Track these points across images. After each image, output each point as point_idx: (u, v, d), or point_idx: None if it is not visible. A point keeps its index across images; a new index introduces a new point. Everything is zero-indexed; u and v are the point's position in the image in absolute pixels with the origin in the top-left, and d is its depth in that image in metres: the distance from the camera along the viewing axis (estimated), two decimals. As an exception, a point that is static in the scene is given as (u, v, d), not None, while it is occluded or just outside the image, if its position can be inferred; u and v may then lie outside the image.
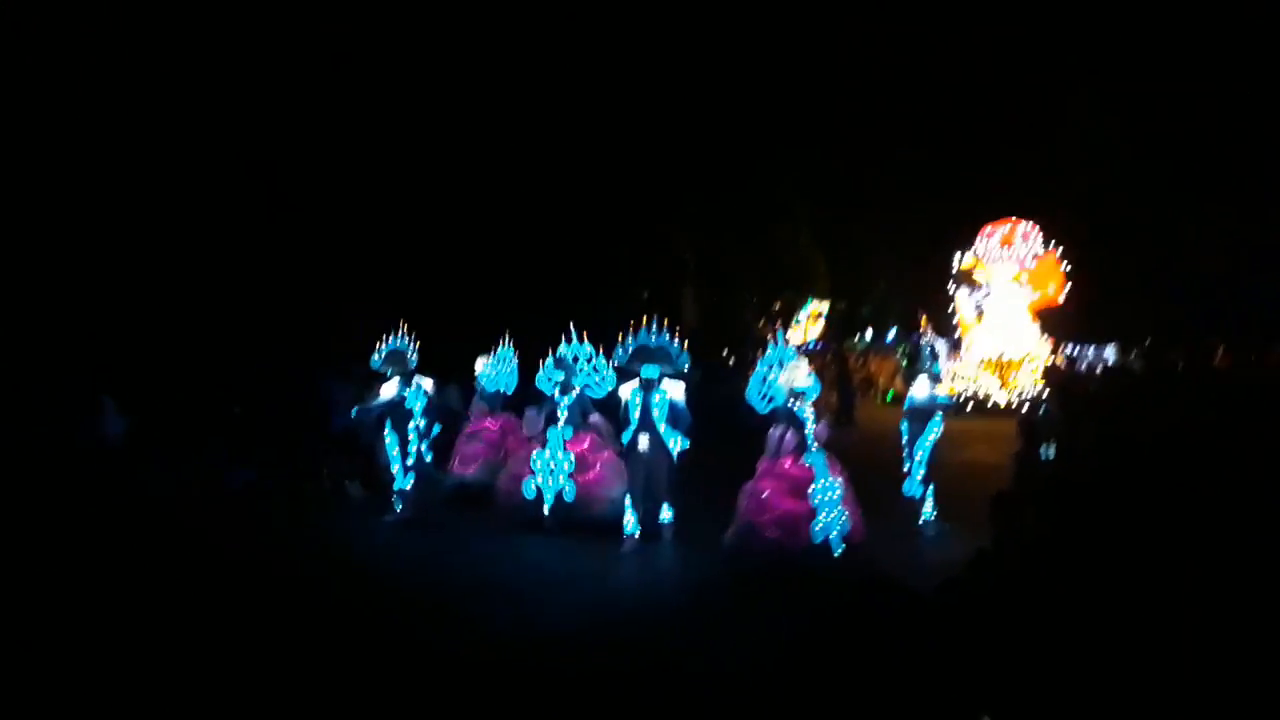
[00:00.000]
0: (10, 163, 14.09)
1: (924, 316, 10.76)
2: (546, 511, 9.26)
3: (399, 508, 10.20)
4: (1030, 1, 24.49)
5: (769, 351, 8.63)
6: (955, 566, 7.97)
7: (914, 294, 29.58)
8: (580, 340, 9.96)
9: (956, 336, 23.20)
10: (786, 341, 8.91)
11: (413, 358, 10.24)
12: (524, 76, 19.55)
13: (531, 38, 19.64)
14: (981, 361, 21.02)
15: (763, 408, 8.32)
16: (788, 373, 8.18)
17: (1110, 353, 22.97)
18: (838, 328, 31.57)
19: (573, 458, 9.34)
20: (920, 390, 9.67)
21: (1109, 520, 5.48)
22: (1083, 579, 4.91)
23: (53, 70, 14.50)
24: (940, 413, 9.61)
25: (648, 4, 21.05)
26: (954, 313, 23.20)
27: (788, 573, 7.40)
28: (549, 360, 9.83)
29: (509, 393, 11.68)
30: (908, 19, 24.51)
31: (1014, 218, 22.15)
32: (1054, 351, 21.83)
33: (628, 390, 8.81)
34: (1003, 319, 21.69)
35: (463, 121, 18.99)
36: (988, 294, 22.05)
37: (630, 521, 8.70)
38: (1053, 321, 22.21)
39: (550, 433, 9.40)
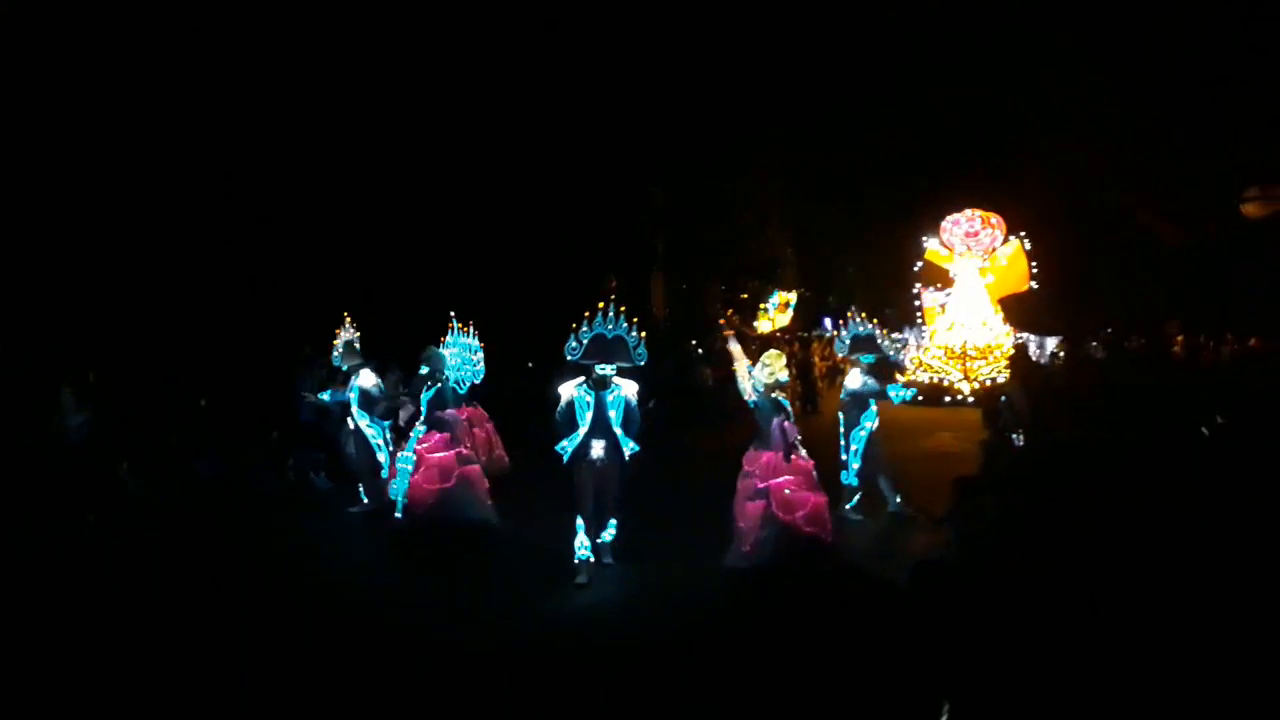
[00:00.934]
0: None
1: (853, 309, 10.64)
2: (398, 514, 8.81)
3: (365, 499, 10.18)
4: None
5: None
6: (919, 552, 8.13)
7: (880, 283, 29.93)
8: (464, 330, 9.71)
9: (920, 324, 23.43)
10: (752, 332, 8.65)
11: (359, 350, 10.21)
12: (487, 59, 19.37)
13: (495, 21, 19.46)
14: (945, 351, 21.23)
15: (751, 402, 8.01)
16: (766, 365, 7.89)
17: (1051, 343, 23.31)
18: (805, 317, 31.80)
19: (415, 458, 8.73)
20: (853, 381, 9.59)
21: (1093, 509, 5.59)
22: (1056, 564, 5.00)
23: (24, 57, 14.17)
24: (873, 403, 9.46)
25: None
26: (919, 303, 23.40)
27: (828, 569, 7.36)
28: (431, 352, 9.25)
29: (476, 382, 11.63)
30: (873, 8, 24.60)
31: (978, 208, 22.34)
32: (1017, 341, 22.10)
33: (571, 389, 7.65)
34: (967, 309, 21.89)
35: (422, 105, 18.80)
36: (950, 294, 22.27)
37: (582, 544, 7.51)
38: (1015, 311, 22.46)
39: (415, 431, 9.00)
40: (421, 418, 8.95)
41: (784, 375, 7.87)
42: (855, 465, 9.45)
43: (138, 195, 15.56)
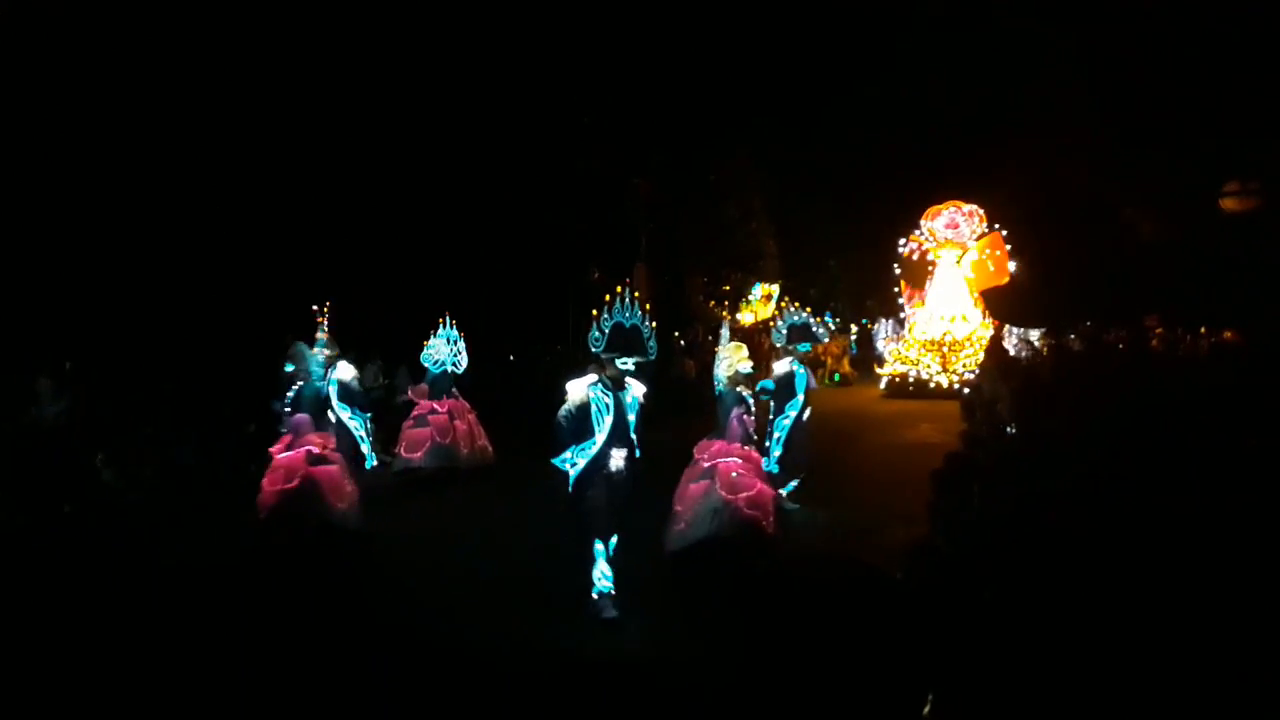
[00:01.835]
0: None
1: (786, 298, 10.60)
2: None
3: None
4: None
5: (722, 333, 8.40)
6: (895, 549, 8.14)
7: (862, 274, 30.03)
8: (324, 325, 9.20)
9: (902, 317, 23.55)
10: (727, 321, 8.50)
11: (333, 343, 10.18)
12: (469, 50, 19.28)
13: (477, 12, 19.36)
14: (923, 343, 21.33)
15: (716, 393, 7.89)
16: (728, 357, 7.78)
17: (1034, 335, 23.46)
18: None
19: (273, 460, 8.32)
20: (781, 367, 9.49)
21: (1089, 498, 5.61)
22: (1045, 557, 5.02)
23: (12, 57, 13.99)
24: (800, 391, 9.33)
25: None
26: (900, 294, 23.53)
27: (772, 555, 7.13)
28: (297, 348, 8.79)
29: (458, 373, 11.60)
30: (858, 5, 24.64)
31: (958, 200, 22.47)
32: (997, 333, 22.22)
33: (583, 389, 6.43)
34: (945, 301, 22.01)
35: (403, 97, 18.69)
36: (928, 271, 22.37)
37: (604, 574, 6.35)
38: (995, 304, 22.60)
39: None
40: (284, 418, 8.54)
41: (744, 366, 7.71)
42: (777, 453, 9.35)
43: (116, 184, 15.40)
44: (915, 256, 22.99)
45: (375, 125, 18.40)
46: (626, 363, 6.43)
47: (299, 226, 17.37)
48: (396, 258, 18.65)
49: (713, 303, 28.37)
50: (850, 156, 27.17)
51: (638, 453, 6.57)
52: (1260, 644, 3.64)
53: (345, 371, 10.17)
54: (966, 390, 10.75)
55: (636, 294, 6.59)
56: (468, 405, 11.55)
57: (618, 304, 6.44)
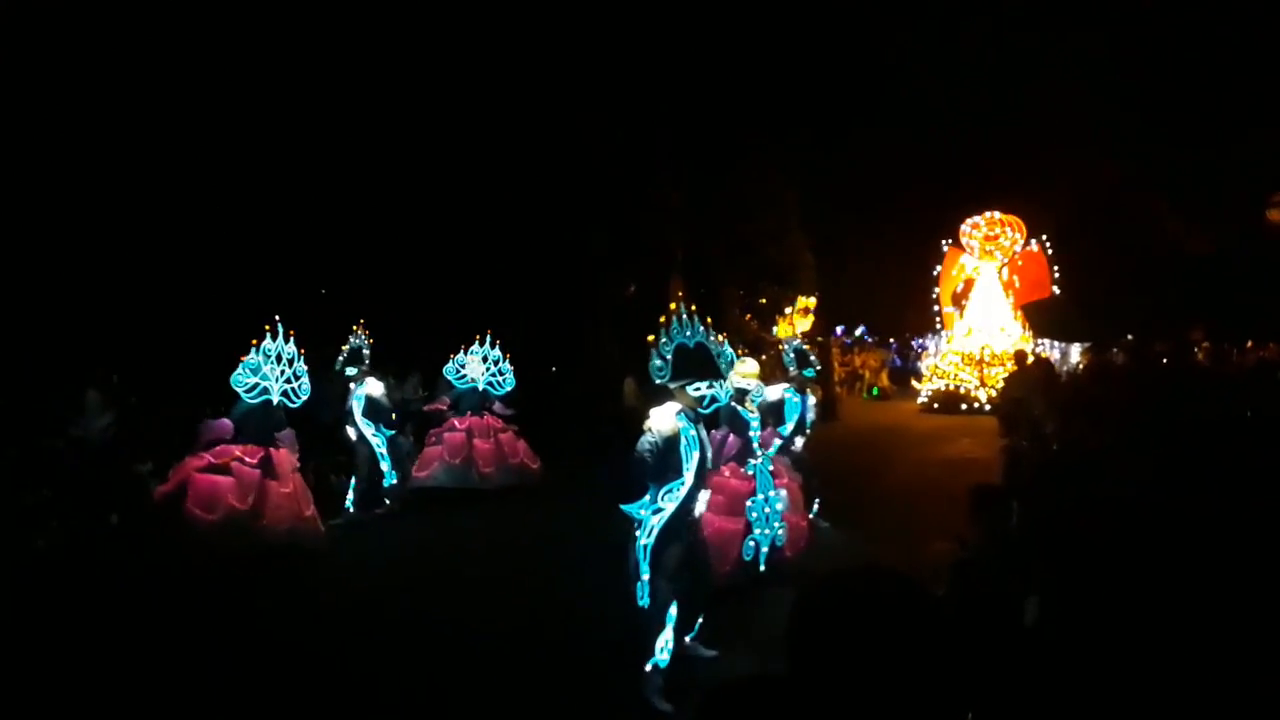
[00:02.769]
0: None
1: (750, 320, 10.26)
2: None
3: (387, 502, 10.24)
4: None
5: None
6: (926, 571, 8.04)
7: (899, 288, 29.81)
8: (282, 337, 8.60)
9: (939, 331, 23.34)
10: (722, 339, 7.56)
11: (367, 356, 10.26)
12: (504, 63, 19.43)
13: (512, 24, 19.51)
14: (962, 358, 21.11)
15: (706, 410, 7.56)
16: (735, 371, 7.07)
17: (1075, 351, 23.15)
18: (826, 322, 31.70)
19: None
20: (774, 393, 8.79)
21: (1120, 517, 5.51)
22: (1078, 572, 4.93)
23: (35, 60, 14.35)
24: (790, 420, 8.70)
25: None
26: (937, 308, 23.34)
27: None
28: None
29: (495, 394, 11.53)
30: (893, 12, 24.55)
31: (998, 211, 22.26)
32: (1035, 347, 21.97)
33: (670, 419, 5.48)
34: (984, 314, 21.79)
35: (440, 112, 18.88)
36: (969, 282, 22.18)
37: (667, 645, 5.39)
38: (1036, 317, 22.34)
39: None
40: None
41: (743, 383, 7.25)
42: None
43: (155, 198, 15.71)
44: (956, 271, 22.80)
45: (413, 143, 18.61)
46: (700, 388, 5.56)
47: (344, 246, 17.61)
48: (433, 274, 18.81)
49: (749, 316, 28.27)
50: (889, 168, 27.02)
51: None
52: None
53: (374, 388, 10.21)
54: (998, 404, 10.58)
55: (692, 307, 5.79)
56: (500, 424, 11.41)
57: (675, 324, 5.62)
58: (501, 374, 11.57)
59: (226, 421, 8.34)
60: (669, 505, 5.36)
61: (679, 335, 5.59)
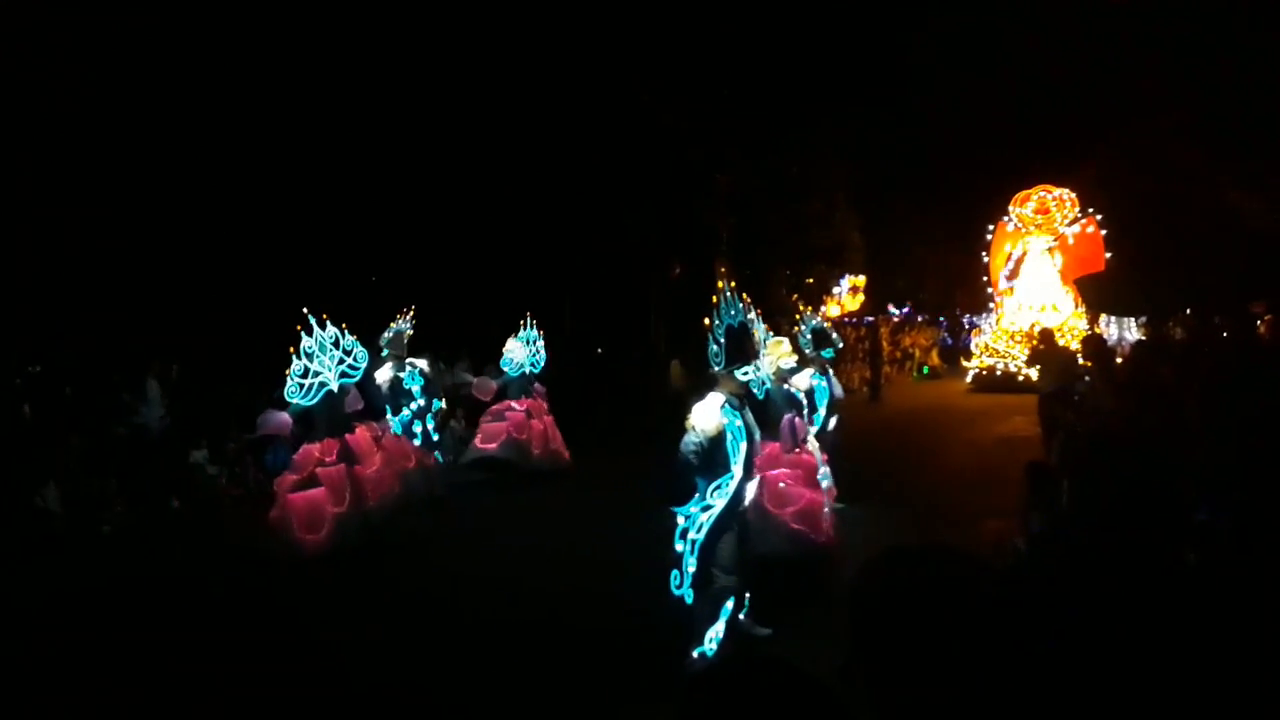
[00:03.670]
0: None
1: (796, 300, 9.69)
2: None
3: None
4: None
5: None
6: (980, 550, 7.92)
7: (950, 265, 29.42)
8: (318, 324, 8.29)
9: (991, 309, 22.99)
10: (758, 315, 7.41)
11: (407, 340, 10.39)
12: (545, 40, 19.43)
13: (559, 5, 19.49)
14: (1012, 334, 20.75)
15: (760, 393, 7.69)
16: (769, 353, 7.08)
17: (1132, 326, 22.62)
18: (875, 301, 31.43)
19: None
20: (802, 381, 8.55)
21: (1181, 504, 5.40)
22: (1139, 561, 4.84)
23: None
24: (821, 404, 8.56)
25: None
26: (988, 285, 22.97)
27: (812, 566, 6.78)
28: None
29: (536, 372, 11.63)
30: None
31: (1049, 185, 21.82)
32: (1092, 323, 21.54)
33: (716, 412, 5.31)
34: (1035, 290, 21.39)
35: (482, 92, 18.94)
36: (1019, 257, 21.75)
37: (717, 635, 5.34)
38: (1090, 292, 21.88)
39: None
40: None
41: (786, 362, 7.34)
42: None
43: (210, 193, 16.00)
44: (1007, 248, 22.41)
45: (465, 128, 18.72)
46: (746, 372, 5.39)
47: (389, 233, 17.81)
48: (480, 259, 18.96)
49: (796, 296, 28.10)
50: (935, 141, 26.60)
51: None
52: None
53: (386, 373, 10.28)
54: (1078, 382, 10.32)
55: (732, 283, 5.68)
56: (545, 406, 11.54)
57: (723, 303, 5.44)
58: (539, 353, 11.62)
59: (285, 416, 8.21)
60: (719, 501, 5.24)
61: (726, 317, 5.44)
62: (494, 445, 11.04)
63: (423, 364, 10.65)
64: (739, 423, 5.32)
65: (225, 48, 15.96)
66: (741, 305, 5.49)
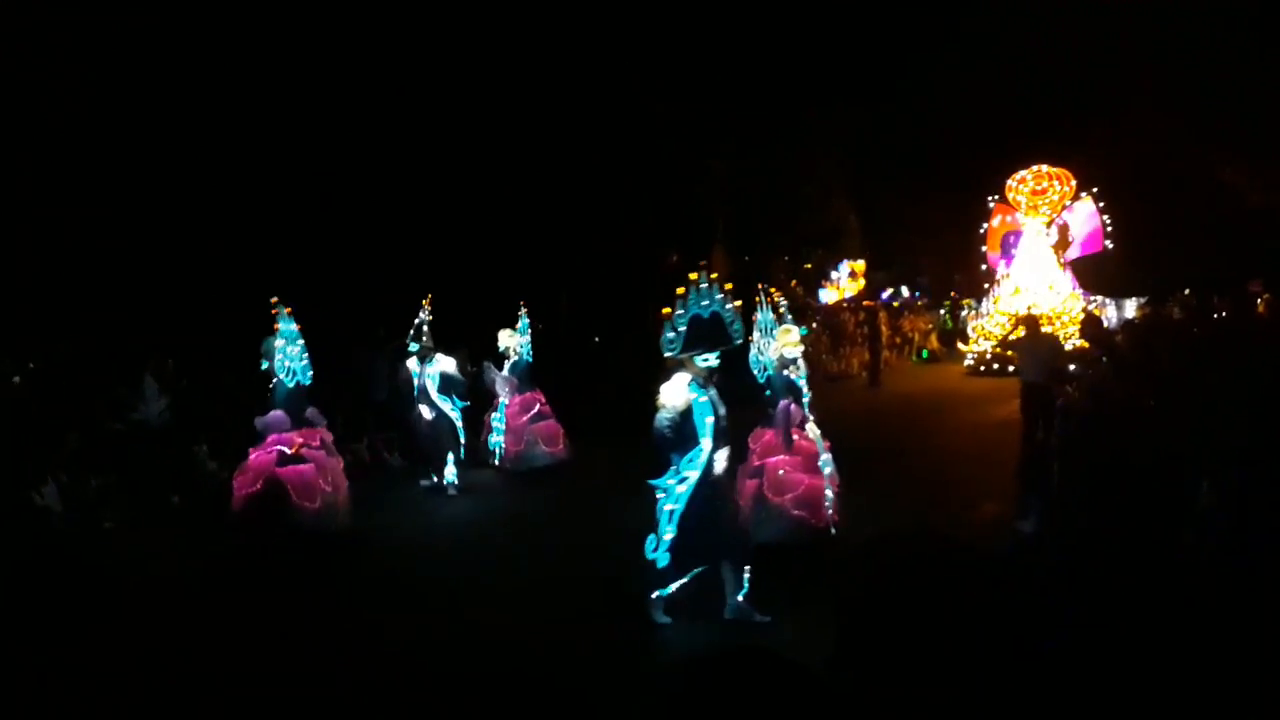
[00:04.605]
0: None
1: (762, 286, 9.17)
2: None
3: (433, 478, 10.36)
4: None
5: (758, 317, 7.76)
6: (983, 526, 7.99)
7: (948, 248, 29.38)
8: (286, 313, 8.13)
9: (987, 291, 22.94)
10: (772, 304, 7.56)
11: (428, 332, 10.19)
12: (536, 28, 19.37)
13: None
14: (1009, 317, 20.71)
15: (761, 377, 7.65)
16: (776, 340, 7.46)
17: (1130, 307, 22.55)
18: (873, 285, 31.39)
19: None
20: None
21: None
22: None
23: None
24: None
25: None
26: (985, 268, 22.92)
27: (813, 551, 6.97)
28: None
29: (530, 361, 11.45)
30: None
31: (1046, 165, 21.71)
32: (1087, 305, 21.48)
33: (684, 390, 5.73)
34: (1031, 272, 21.31)
35: (473, 80, 18.89)
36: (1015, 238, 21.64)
37: (677, 586, 5.93)
38: (1088, 273, 21.82)
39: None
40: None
41: (790, 351, 7.42)
42: None
43: (207, 186, 15.98)
44: (1000, 228, 22.34)
45: (450, 117, 18.67)
46: (709, 358, 5.78)
47: (388, 222, 17.77)
48: (470, 247, 18.89)
49: (794, 282, 28.07)
50: (931, 124, 26.50)
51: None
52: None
53: (447, 363, 10.23)
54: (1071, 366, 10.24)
55: (714, 274, 5.97)
56: (544, 397, 11.34)
57: (693, 293, 5.76)
58: (527, 341, 11.44)
59: (279, 413, 8.10)
60: (692, 473, 5.71)
61: (695, 305, 5.74)
62: (560, 448, 10.98)
63: (449, 363, 10.33)
64: (704, 398, 5.73)
65: (225, 48, 15.89)
66: (719, 296, 5.80)
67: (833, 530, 7.19)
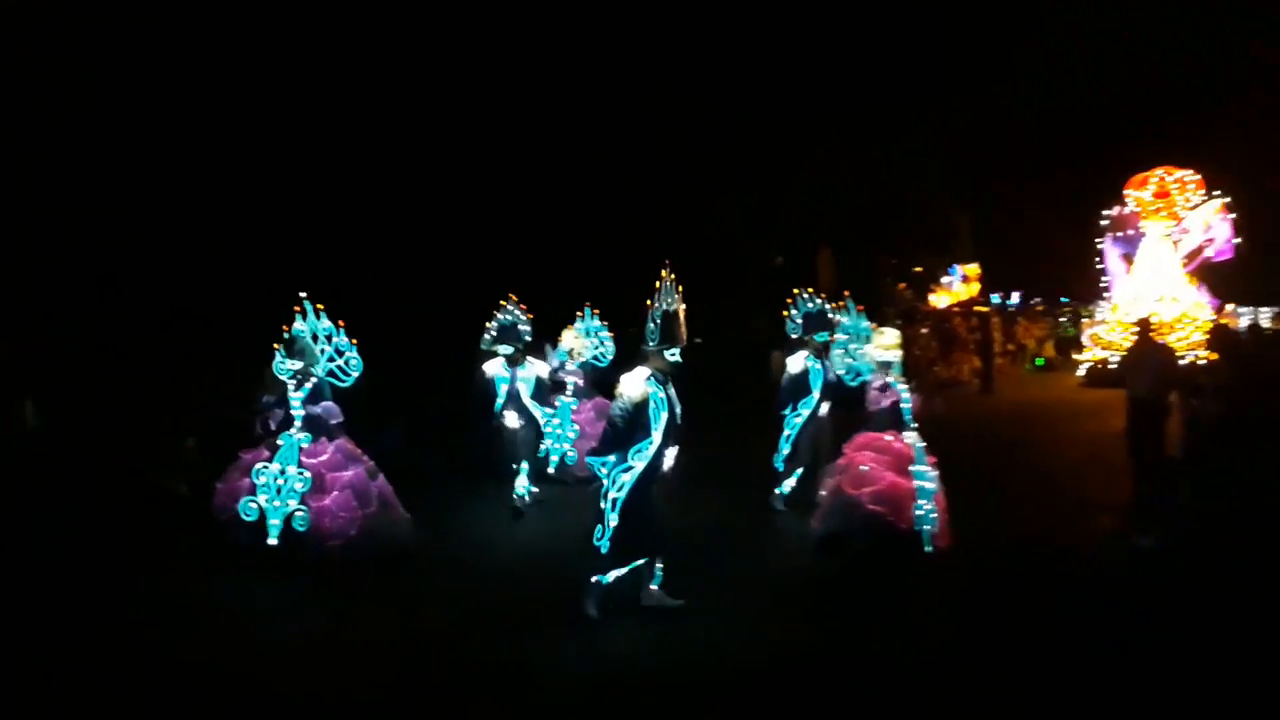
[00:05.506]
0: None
1: (809, 289, 8.96)
2: (274, 540, 7.21)
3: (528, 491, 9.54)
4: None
5: (845, 322, 7.94)
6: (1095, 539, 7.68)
7: (1064, 254, 28.31)
8: (316, 313, 7.52)
9: (1105, 295, 21.92)
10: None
11: (526, 333, 9.40)
12: (640, 30, 19.33)
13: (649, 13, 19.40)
14: (1127, 325, 19.73)
15: (852, 383, 7.72)
16: (872, 344, 7.54)
17: (1266, 316, 21.24)
18: (985, 291, 30.49)
19: (309, 475, 7.31)
20: (795, 364, 8.73)
21: None
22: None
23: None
24: (815, 391, 8.66)
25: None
26: (1103, 271, 21.86)
27: (886, 554, 6.90)
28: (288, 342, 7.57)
29: (602, 364, 10.96)
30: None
31: (1168, 167, 20.64)
32: (1219, 311, 20.34)
33: (641, 384, 5.93)
34: (1152, 279, 20.25)
35: (567, 67, 18.83)
36: (1137, 242, 20.59)
37: (618, 577, 6.10)
38: (1213, 280, 20.62)
39: (284, 439, 7.48)
40: (298, 421, 7.56)
41: (880, 355, 7.43)
42: (784, 451, 8.81)
43: (210, 195, 16.09)
44: (1122, 233, 21.32)
45: (542, 123, 18.73)
46: (675, 354, 6.03)
47: (463, 221, 17.84)
48: (570, 245, 18.90)
49: (903, 285, 27.47)
50: (1054, 127, 25.59)
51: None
52: None
53: (541, 368, 9.60)
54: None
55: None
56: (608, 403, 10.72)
57: (662, 290, 6.03)
58: (604, 345, 11.04)
59: (331, 403, 7.64)
60: (639, 463, 5.91)
61: (663, 301, 6.01)
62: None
63: (541, 366, 9.75)
64: (662, 394, 5.94)
65: (225, 47, 16.01)
66: (676, 295, 6.03)
67: (928, 548, 6.98)
